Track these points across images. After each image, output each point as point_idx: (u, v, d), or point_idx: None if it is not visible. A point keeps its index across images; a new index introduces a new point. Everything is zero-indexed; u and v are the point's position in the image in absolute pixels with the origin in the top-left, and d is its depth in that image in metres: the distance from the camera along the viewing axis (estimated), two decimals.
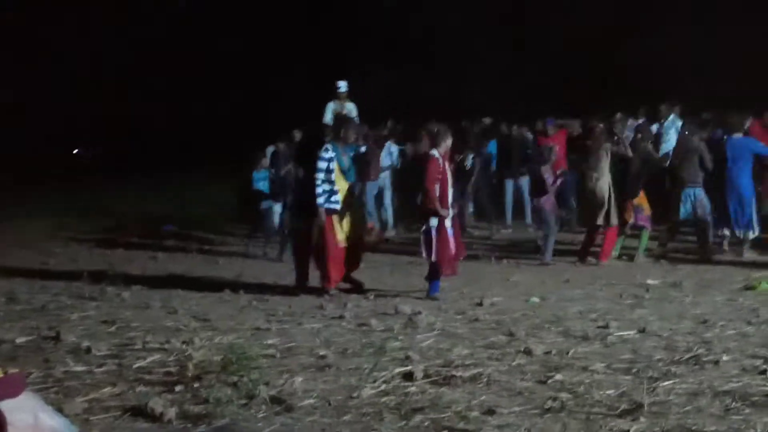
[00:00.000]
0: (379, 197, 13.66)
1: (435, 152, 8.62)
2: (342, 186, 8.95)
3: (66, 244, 12.75)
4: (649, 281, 9.07)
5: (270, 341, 6.04)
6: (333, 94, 13.23)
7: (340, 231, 8.87)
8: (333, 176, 8.80)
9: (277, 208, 11.76)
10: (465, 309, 7.65)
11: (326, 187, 8.76)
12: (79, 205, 16.89)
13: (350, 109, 13.43)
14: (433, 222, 8.51)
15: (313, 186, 8.80)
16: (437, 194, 8.50)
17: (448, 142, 8.81)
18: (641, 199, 10.97)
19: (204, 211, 15.45)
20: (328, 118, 13.49)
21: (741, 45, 16.45)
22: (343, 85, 13.24)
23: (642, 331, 6.31)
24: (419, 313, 7.24)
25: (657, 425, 4.10)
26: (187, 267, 11.03)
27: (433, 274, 8.60)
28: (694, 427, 4.06)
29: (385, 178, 13.65)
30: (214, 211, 14.94)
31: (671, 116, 12.84)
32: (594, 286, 8.96)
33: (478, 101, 17.19)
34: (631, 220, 10.92)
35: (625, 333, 6.25)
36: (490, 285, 9.06)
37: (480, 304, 7.85)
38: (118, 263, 10.69)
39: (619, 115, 11.98)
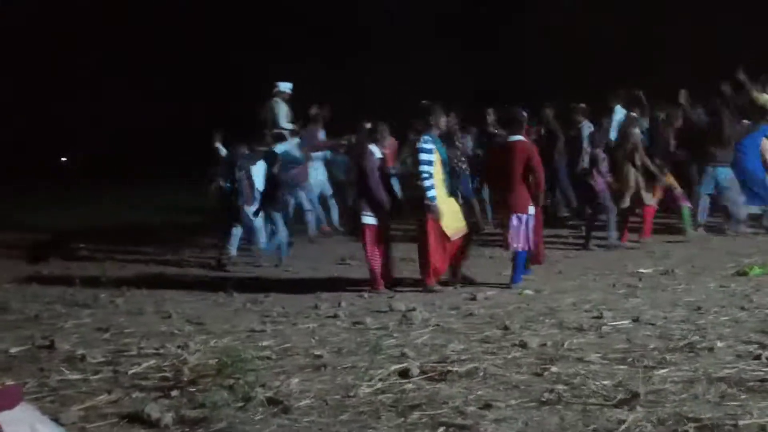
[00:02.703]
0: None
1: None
2: (439, 176, 8.57)
3: (56, 252, 12.68)
4: (642, 270, 9.10)
5: (265, 343, 6.05)
6: (276, 94, 13.47)
7: (447, 223, 8.52)
8: (434, 168, 8.44)
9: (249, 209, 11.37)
10: (459, 304, 7.66)
11: (433, 180, 8.41)
12: (67, 213, 16.83)
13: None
14: (532, 210, 8.45)
15: (387, 180, 8.78)
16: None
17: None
18: (668, 179, 11.40)
19: (193, 217, 15.40)
20: (282, 117, 13.39)
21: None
22: (286, 87, 13.58)
23: (636, 320, 6.33)
24: (414, 309, 7.24)
25: (653, 414, 4.11)
26: (180, 271, 11.00)
27: (521, 263, 8.49)
28: (690, 415, 4.07)
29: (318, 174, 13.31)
30: (203, 217, 14.87)
31: (617, 107, 12.81)
32: (587, 277, 8.98)
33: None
34: (658, 197, 11.29)
35: (620, 323, 6.27)
36: (483, 279, 9.05)
37: (474, 299, 7.87)
38: (110, 269, 10.65)
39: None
